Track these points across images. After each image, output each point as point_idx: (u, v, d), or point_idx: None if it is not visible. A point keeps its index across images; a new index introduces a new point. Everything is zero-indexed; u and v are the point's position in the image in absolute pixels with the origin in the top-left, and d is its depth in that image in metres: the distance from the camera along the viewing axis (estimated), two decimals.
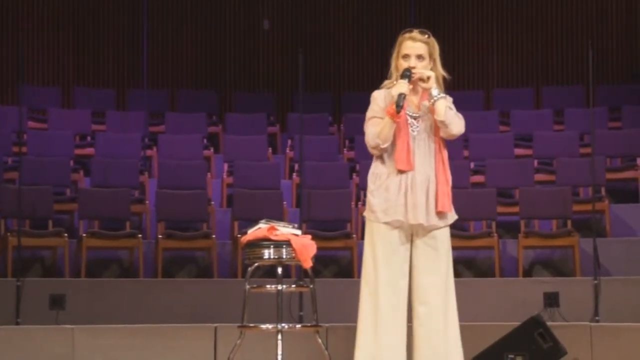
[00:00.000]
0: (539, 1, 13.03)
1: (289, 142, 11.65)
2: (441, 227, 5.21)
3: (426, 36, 5.23)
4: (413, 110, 5.22)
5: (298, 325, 7.01)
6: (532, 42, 13.02)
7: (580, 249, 9.29)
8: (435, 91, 5.16)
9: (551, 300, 8.40)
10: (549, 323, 7.68)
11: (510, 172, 10.41)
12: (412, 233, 5.20)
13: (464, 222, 9.88)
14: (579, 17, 12.97)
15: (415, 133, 5.19)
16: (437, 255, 5.22)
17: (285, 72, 12.94)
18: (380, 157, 5.21)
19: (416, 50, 5.19)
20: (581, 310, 8.32)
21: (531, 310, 7.91)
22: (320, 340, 6.60)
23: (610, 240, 9.54)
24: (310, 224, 9.70)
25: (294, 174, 10.80)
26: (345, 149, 11.63)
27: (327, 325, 7.55)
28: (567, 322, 8.14)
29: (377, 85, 14.60)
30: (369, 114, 5.26)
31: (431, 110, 5.18)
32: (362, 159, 10.82)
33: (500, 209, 9.91)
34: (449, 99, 5.22)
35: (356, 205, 10.21)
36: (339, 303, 8.71)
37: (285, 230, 6.67)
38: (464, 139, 11.16)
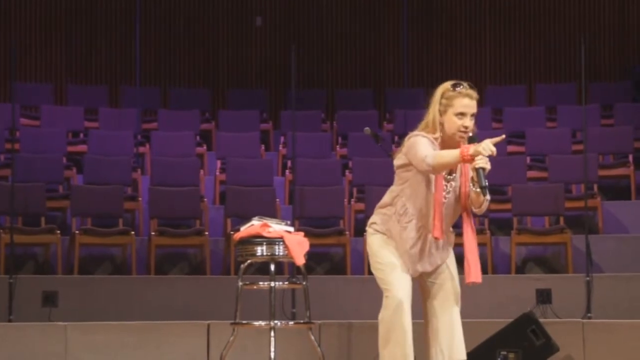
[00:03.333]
0: (533, 4, 13.05)
1: (282, 139, 11.65)
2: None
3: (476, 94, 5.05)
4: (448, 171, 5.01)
5: (291, 322, 7.02)
6: (524, 39, 13.03)
7: (573, 246, 9.30)
8: (486, 183, 4.94)
9: (543, 297, 8.41)
10: (541, 320, 7.70)
11: (502, 169, 10.40)
12: None
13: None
14: (572, 14, 12.98)
15: (446, 196, 5.03)
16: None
17: (278, 69, 12.93)
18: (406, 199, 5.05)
19: (472, 110, 4.97)
20: (573, 307, 8.33)
21: (523, 307, 7.91)
22: (313, 337, 6.61)
23: (602, 237, 9.55)
24: (303, 221, 9.69)
25: (287, 171, 10.79)
26: (338, 146, 11.62)
27: (319, 322, 7.55)
28: (560, 318, 8.15)
29: (369, 83, 14.61)
30: (422, 147, 4.94)
31: (470, 197, 5.02)
32: (355, 156, 10.83)
33: (492, 206, 9.88)
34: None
35: (349, 202, 10.20)
36: (331, 300, 8.72)
37: (278, 227, 6.67)
38: None
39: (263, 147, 11.48)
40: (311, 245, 7.03)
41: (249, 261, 6.49)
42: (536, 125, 11.43)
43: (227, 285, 8.20)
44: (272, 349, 6.30)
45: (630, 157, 10.67)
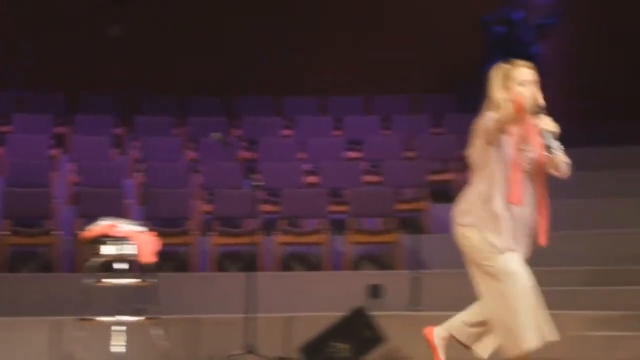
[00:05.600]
0: (373, 21, 13.26)
1: (135, 143, 11.52)
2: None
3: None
4: (521, 144, 4.85)
5: (138, 318, 6.96)
6: (364, 53, 13.23)
7: (403, 245, 9.46)
8: (555, 142, 4.77)
9: (375, 292, 8.54)
10: (372, 313, 7.83)
11: (341, 174, 10.55)
12: None
13: (297, 219, 9.98)
14: (407, 31, 13.24)
15: (526, 166, 4.86)
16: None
17: (132, 75, 12.78)
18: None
19: (533, 77, 4.84)
20: (402, 301, 8.46)
21: (356, 302, 8.03)
22: (159, 332, 6.57)
23: (429, 237, 9.71)
24: (154, 221, 9.60)
25: (138, 174, 10.69)
26: (188, 150, 11.57)
27: (166, 317, 7.51)
28: (389, 312, 8.25)
29: (223, 89, 14.51)
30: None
31: (546, 160, 4.83)
32: (205, 159, 10.82)
33: (331, 208, 10.03)
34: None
35: (198, 204, 10.17)
36: (178, 296, 8.67)
37: (127, 227, 6.62)
38: (299, 143, 11.27)
39: (117, 150, 11.33)
40: (160, 244, 7.01)
41: (96, 259, 6.41)
42: (373, 133, 11.61)
43: (76, 282, 8.06)
44: (118, 344, 6.24)
45: (456, 164, 10.93)
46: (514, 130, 4.80)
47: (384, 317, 7.89)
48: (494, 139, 4.77)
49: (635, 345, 7.50)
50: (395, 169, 10.54)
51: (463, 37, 13.18)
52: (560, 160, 4.80)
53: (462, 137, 11.13)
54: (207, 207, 10.01)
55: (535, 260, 8.27)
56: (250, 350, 7.50)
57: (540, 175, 4.86)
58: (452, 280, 8.87)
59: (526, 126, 4.79)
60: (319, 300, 8.63)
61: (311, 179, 10.66)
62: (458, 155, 11.00)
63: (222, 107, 12.62)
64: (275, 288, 8.73)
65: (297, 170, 10.59)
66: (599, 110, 12.06)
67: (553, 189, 5.03)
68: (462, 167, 10.90)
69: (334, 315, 7.82)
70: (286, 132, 11.92)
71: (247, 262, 8.88)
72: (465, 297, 8.60)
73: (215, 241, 9.52)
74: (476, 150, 4.89)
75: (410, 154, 11.00)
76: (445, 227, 10.11)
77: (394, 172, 10.47)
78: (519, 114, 4.69)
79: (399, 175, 10.40)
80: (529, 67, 4.85)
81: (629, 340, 7.56)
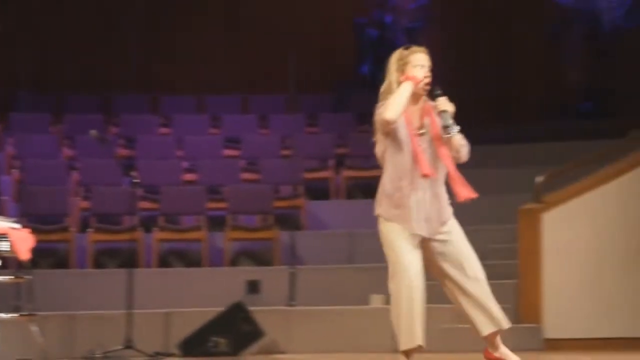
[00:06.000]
0: (247, 20, 13.32)
1: (10, 139, 11.29)
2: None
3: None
4: (416, 126, 5.00)
5: (13, 315, 6.85)
6: (243, 53, 13.27)
7: (280, 241, 9.52)
8: (452, 122, 4.94)
9: (253, 287, 8.60)
10: (250, 308, 7.90)
11: (219, 171, 10.57)
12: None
13: (176, 216, 9.96)
14: (283, 33, 13.36)
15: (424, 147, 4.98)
16: None
17: (8, 72, 12.52)
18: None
19: (428, 62, 4.99)
20: (280, 296, 8.54)
21: (235, 297, 8.09)
22: (35, 329, 6.49)
23: (306, 233, 9.84)
24: (30, 218, 9.44)
25: (15, 170, 10.49)
26: (65, 148, 11.40)
27: (43, 314, 7.42)
28: (267, 307, 8.33)
29: (97, 88, 14.28)
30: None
31: (443, 141, 4.97)
32: (82, 156, 10.69)
33: (210, 205, 10.04)
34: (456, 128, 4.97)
35: (75, 200, 10.06)
36: (57, 293, 8.57)
37: (1, 224, 6.51)
38: (177, 140, 11.24)
39: None
40: (37, 241, 6.91)
41: None
42: (250, 131, 11.66)
43: None
44: None
45: (332, 162, 11.09)
46: (411, 113, 4.96)
47: (262, 312, 7.97)
48: (388, 128, 4.90)
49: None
50: (272, 167, 10.61)
51: (337, 39, 13.38)
52: (459, 142, 4.96)
53: (337, 136, 11.38)
54: (85, 204, 9.91)
55: None
56: (129, 346, 7.48)
57: (442, 153, 4.97)
58: (327, 275, 9.02)
59: (423, 107, 4.97)
60: (198, 297, 8.64)
61: (189, 176, 10.65)
62: (333, 153, 11.18)
63: (99, 104, 12.48)
64: (154, 284, 8.71)
65: (175, 168, 10.56)
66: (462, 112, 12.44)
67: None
68: (338, 165, 11.07)
69: (213, 310, 7.86)
70: (164, 130, 11.86)
71: (125, 259, 8.82)
72: (340, 292, 8.80)
73: (93, 238, 9.43)
74: (379, 144, 5.04)
75: (286, 152, 11.09)
76: (321, 224, 10.32)
77: (272, 170, 10.55)
78: (413, 86, 4.87)
79: (276, 173, 10.48)
80: (423, 52, 5.02)
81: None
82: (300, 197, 10.25)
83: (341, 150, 11.26)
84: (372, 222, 10.83)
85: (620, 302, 8.25)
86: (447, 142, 4.97)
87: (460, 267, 4.99)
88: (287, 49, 12.73)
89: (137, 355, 7.47)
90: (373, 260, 9.22)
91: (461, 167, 5.05)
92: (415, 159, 4.92)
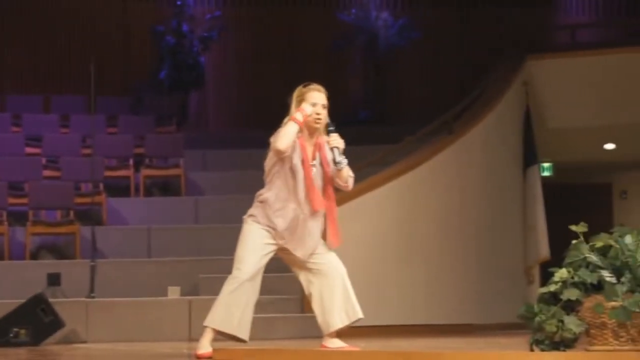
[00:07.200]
0: (51, 23, 13.27)
1: None
2: None
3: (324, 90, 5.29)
4: (311, 156, 5.23)
5: None
6: (46, 54, 13.21)
7: (81, 236, 9.61)
8: (342, 158, 5.20)
9: (54, 280, 8.59)
10: (51, 300, 7.93)
11: (21, 168, 10.55)
12: None
13: None
14: (85, 36, 13.40)
15: (315, 178, 5.22)
16: None
17: None
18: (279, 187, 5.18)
19: (322, 101, 5.23)
20: (80, 288, 8.59)
21: (36, 289, 8.11)
22: None
23: (106, 228, 9.94)
24: None
25: None
26: None
27: None
28: (68, 298, 8.40)
29: None
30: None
31: (334, 173, 5.23)
32: None
33: (11, 200, 10.02)
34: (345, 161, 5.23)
35: None
36: None
37: None
38: None
39: None
40: None
41: None
42: (52, 131, 11.65)
43: None
44: None
45: (131, 161, 11.25)
46: (306, 147, 5.25)
47: (62, 304, 8.03)
48: (281, 156, 5.16)
49: (288, 325, 8.15)
50: (73, 165, 10.68)
51: (136, 45, 13.53)
52: (347, 174, 5.29)
53: (135, 136, 11.52)
54: None
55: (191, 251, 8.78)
56: None
57: (328, 186, 5.29)
58: (126, 268, 9.18)
59: (316, 142, 5.26)
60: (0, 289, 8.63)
61: None
62: (132, 153, 11.33)
63: None
64: None
65: None
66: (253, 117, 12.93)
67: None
68: (137, 164, 11.24)
69: (14, 302, 7.86)
70: None
71: None
72: (139, 284, 8.95)
73: None
74: (269, 159, 5.26)
75: (87, 151, 11.16)
76: (121, 220, 10.46)
77: (72, 168, 10.61)
78: (299, 121, 5.16)
79: (77, 171, 10.55)
80: (319, 91, 5.31)
81: (283, 320, 8.25)
82: (101, 194, 10.36)
83: (140, 150, 11.45)
84: (169, 218, 11.10)
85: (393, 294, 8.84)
86: (336, 173, 5.28)
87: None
88: (88, 52, 12.76)
89: None
90: (170, 254, 9.51)
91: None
92: (308, 190, 5.21)
